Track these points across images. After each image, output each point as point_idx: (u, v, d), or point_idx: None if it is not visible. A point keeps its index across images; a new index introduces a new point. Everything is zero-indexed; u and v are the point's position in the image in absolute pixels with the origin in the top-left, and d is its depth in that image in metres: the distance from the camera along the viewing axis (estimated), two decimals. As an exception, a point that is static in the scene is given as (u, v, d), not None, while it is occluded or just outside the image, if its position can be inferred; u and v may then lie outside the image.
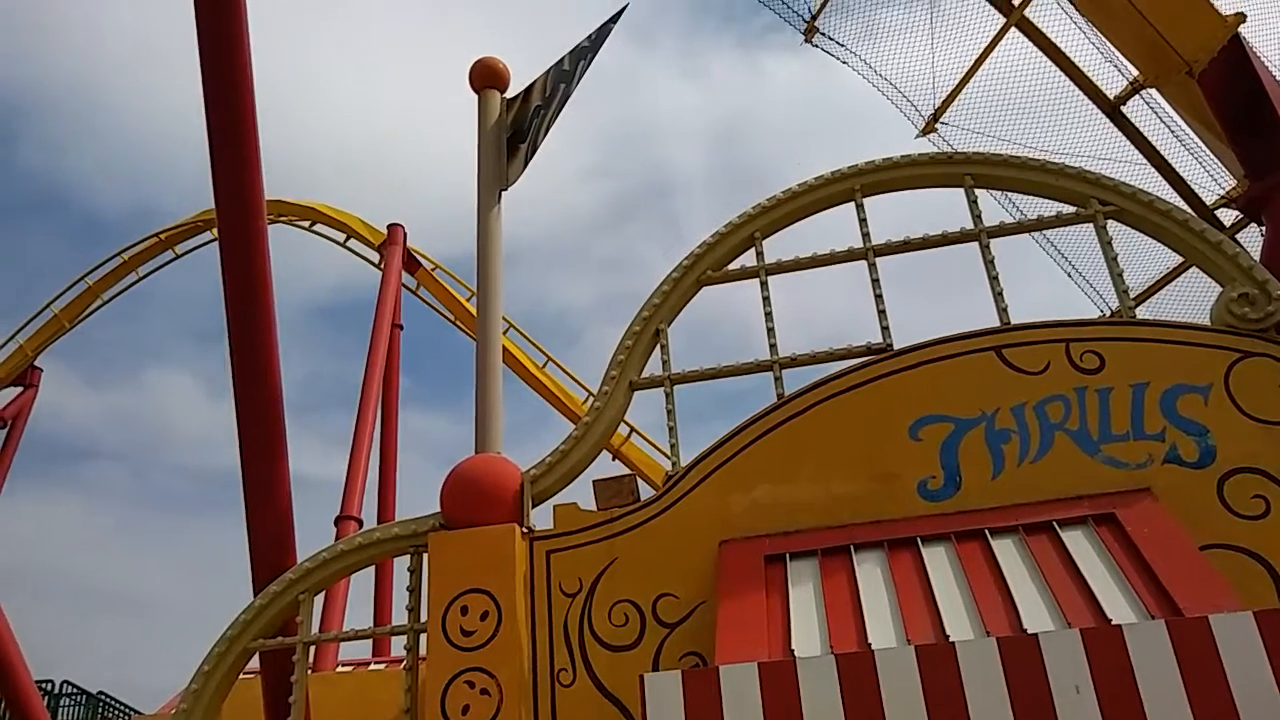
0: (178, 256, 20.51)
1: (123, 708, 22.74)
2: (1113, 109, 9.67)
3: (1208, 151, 8.98)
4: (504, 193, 7.23)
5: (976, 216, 6.18)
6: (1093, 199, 6.07)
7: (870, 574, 4.86)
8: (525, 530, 5.77)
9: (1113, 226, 6.02)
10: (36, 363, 20.16)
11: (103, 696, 22.69)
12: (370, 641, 14.45)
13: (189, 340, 57.77)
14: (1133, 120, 9.71)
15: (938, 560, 4.85)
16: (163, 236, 20.34)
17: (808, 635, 4.43)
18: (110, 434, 54.04)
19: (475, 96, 7.56)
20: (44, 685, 20.82)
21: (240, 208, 6.27)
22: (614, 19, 7.90)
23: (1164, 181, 9.64)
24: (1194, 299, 9.57)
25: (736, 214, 6.57)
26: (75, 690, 22.15)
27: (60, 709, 21.44)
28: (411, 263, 19.35)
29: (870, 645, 4.19)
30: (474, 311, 7.41)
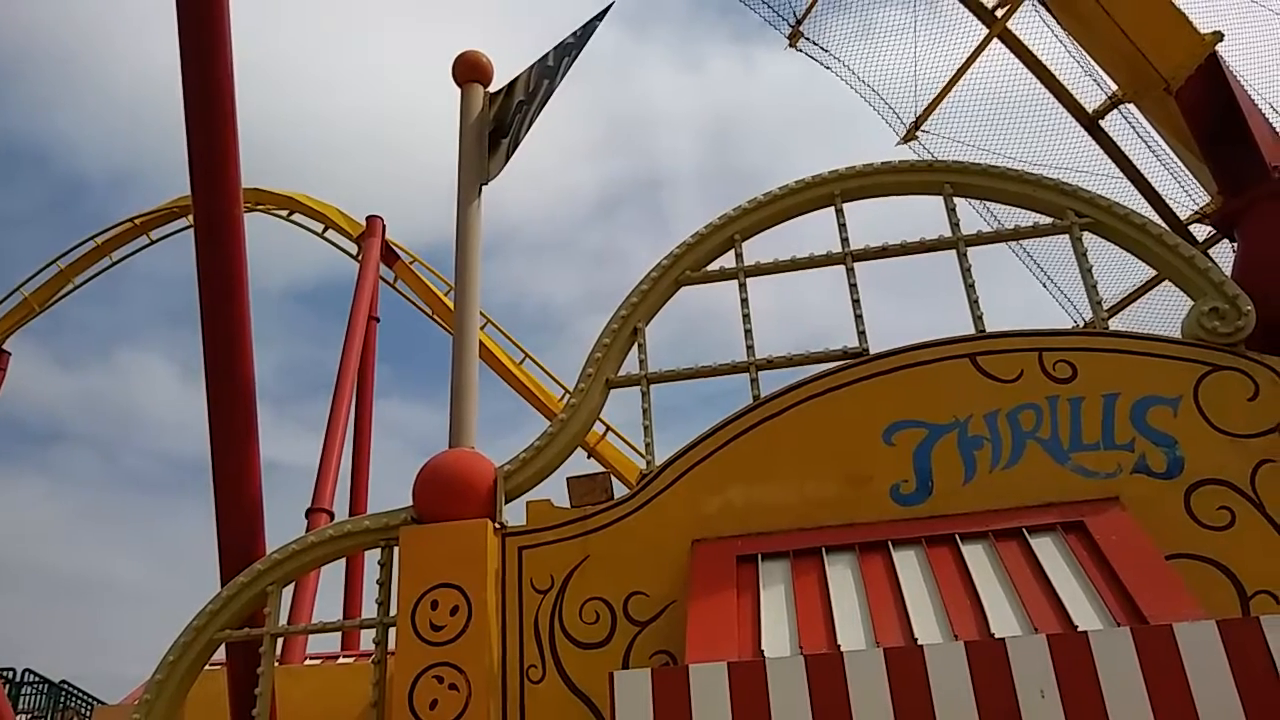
0: (152, 242, 20.23)
1: (85, 697, 22.48)
2: (1091, 122, 9.77)
3: (1183, 167, 9.08)
4: (484, 187, 7.21)
5: (955, 225, 6.23)
6: (1069, 210, 6.13)
7: (841, 576, 4.89)
8: (498, 526, 5.75)
9: (1088, 238, 6.09)
10: (5, 346, 19.87)
11: (65, 686, 22.41)
12: (339, 635, 14.35)
13: (163, 322, 57.19)
14: (1111, 134, 9.81)
15: (908, 564, 4.89)
16: (137, 221, 20.05)
17: (778, 636, 4.45)
18: (80, 416, 53.41)
19: (458, 89, 7.53)
20: (5, 673, 20.56)
21: (217, 197, 6.21)
22: (600, 16, 7.88)
23: (1140, 195, 9.74)
24: (1166, 312, 9.68)
25: (719, 214, 6.59)
26: (37, 679, 21.85)
27: (21, 697, 21.16)
28: (389, 255, 19.23)
29: (840, 647, 4.21)
30: (451, 306, 7.38)
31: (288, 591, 6.33)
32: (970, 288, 5.99)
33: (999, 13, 9.85)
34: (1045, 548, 4.81)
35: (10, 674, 20.77)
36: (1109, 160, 9.85)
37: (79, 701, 22.35)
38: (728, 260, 6.50)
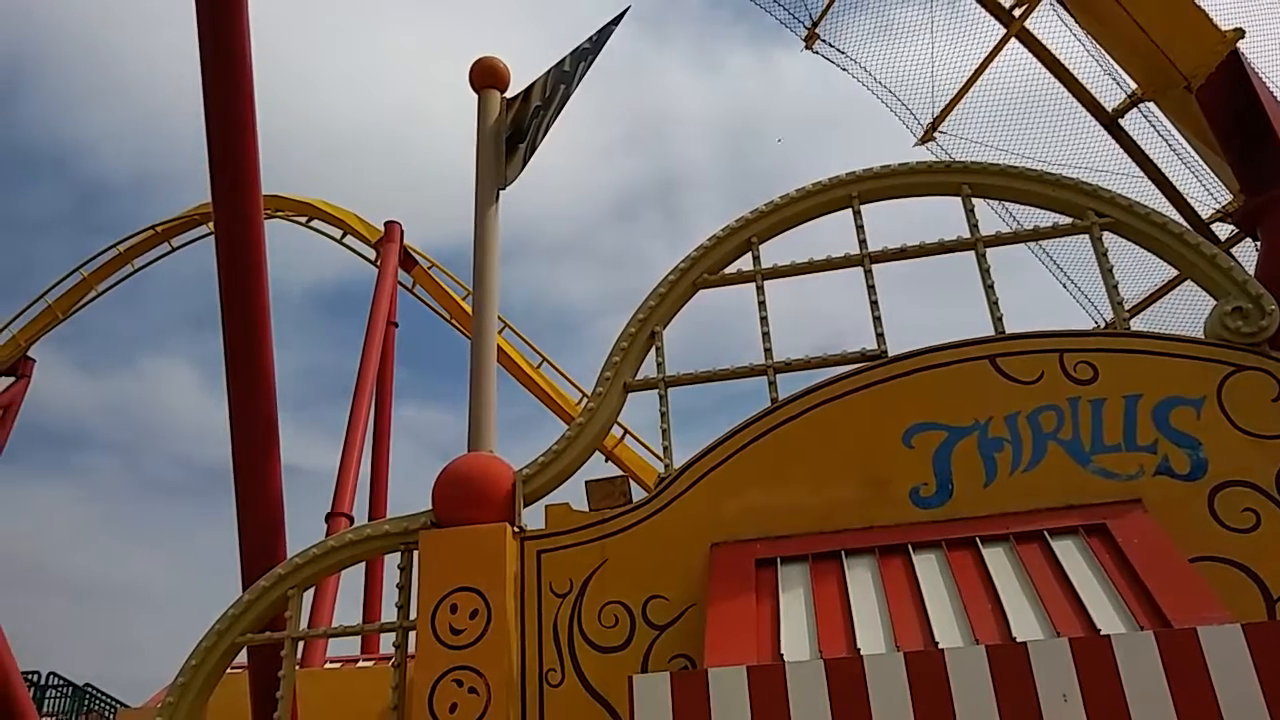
0: (174, 250, 20.48)
1: (109, 700, 22.69)
2: (1111, 121, 9.71)
3: (1204, 165, 9.02)
4: (502, 192, 7.24)
5: (973, 226, 6.19)
6: (1089, 210, 6.09)
7: (861, 580, 4.87)
8: (516, 530, 5.76)
9: (1108, 238, 6.04)
10: (30, 353, 20.11)
11: (89, 689, 22.64)
12: (359, 638, 14.42)
13: (186, 327, 57.65)
14: (1130, 133, 9.75)
15: (928, 567, 4.86)
16: (159, 229, 20.31)
17: (797, 639, 4.43)
18: (104, 422, 53.82)
19: (475, 95, 7.57)
20: (30, 676, 20.75)
21: (238, 204, 6.27)
22: (616, 20, 7.91)
23: (1160, 194, 9.68)
24: (1188, 312, 9.60)
25: (736, 216, 6.58)
26: (61, 682, 22.08)
27: (46, 700, 21.37)
28: (408, 260, 19.34)
29: (859, 651, 4.19)
30: (469, 310, 7.41)
31: (308, 595, 6.37)
32: (989, 289, 5.95)
33: (1016, 12, 9.81)
34: (1067, 550, 4.78)
35: (35, 677, 20.98)
36: (1129, 159, 9.79)
37: (103, 704, 22.57)
38: (745, 263, 6.49)
